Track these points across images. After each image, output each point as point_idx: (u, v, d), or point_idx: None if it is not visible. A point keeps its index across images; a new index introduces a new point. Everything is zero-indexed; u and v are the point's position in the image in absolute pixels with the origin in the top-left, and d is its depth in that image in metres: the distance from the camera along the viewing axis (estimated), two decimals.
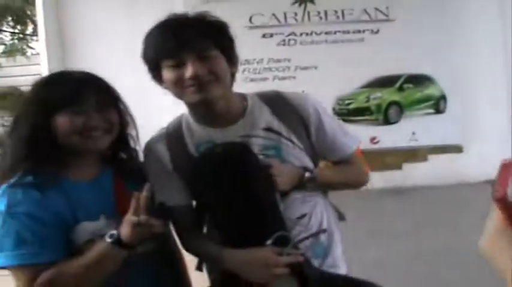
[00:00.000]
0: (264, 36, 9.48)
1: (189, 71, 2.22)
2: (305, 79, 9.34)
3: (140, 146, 3.25)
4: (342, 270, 2.56)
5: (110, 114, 3.15)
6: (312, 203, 2.48)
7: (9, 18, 15.67)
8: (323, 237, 2.52)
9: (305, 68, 9.48)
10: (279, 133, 2.44)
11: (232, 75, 2.49)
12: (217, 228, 2.30)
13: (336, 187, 2.61)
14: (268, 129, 2.43)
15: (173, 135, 2.48)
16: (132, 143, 3.31)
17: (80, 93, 3.00)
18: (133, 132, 3.25)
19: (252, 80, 9.05)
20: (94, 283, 2.86)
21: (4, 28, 16.16)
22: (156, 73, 2.35)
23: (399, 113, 9.65)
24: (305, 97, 2.53)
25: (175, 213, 2.52)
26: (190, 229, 2.53)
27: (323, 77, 9.39)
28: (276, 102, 2.49)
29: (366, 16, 9.59)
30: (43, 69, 10.64)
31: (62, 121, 2.93)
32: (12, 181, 2.88)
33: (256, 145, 2.37)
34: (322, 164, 2.82)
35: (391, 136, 9.65)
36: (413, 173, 9.74)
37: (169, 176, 2.46)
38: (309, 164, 2.49)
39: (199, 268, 2.60)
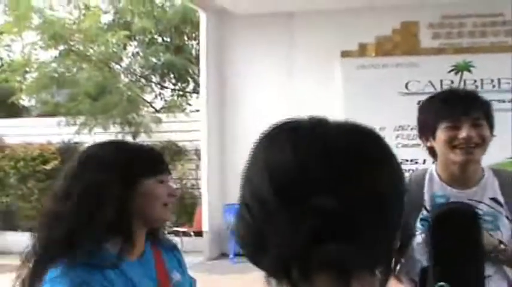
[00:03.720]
0: (419, 102, 9.44)
1: (464, 132, 2.53)
2: None
3: None
4: None
5: None
6: (496, 267, 2.69)
7: (172, 76, 16.36)
8: None
9: None
10: (501, 205, 2.68)
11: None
12: (434, 268, 2.55)
13: None
14: (494, 199, 2.69)
15: (415, 182, 2.76)
16: None
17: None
18: None
19: (404, 145, 9.17)
20: None
21: (166, 85, 16.95)
22: (428, 133, 2.64)
23: None
24: None
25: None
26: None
27: None
28: (505, 178, 2.75)
29: None
30: (202, 125, 11.34)
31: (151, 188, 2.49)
32: (69, 259, 2.32)
33: (481, 210, 2.63)
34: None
35: None
36: None
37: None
38: (510, 236, 2.72)
39: None
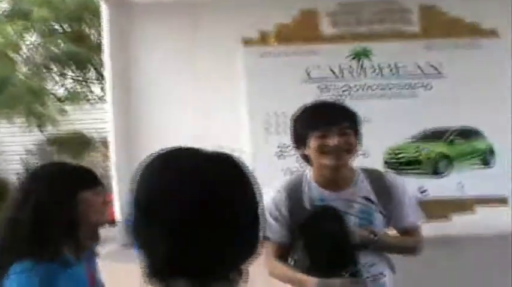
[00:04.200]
0: (320, 89, 9.89)
1: (332, 141, 2.78)
2: None
3: None
4: None
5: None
6: (376, 254, 2.98)
7: (73, 65, 16.19)
8: (382, 279, 3.00)
9: None
10: (373, 203, 2.97)
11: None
12: (310, 260, 2.83)
13: (394, 251, 3.12)
14: (366, 198, 2.98)
15: (294, 188, 3.01)
16: None
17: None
18: None
19: None
20: None
21: (68, 75, 16.77)
22: (302, 142, 2.88)
23: (448, 165, 10.05)
24: (397, 179, 3.12)
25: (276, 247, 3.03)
26: (283, 260, 3.03)
27: (376, 129, 9.38)
28: (376, 178, 3.04)
29: (419, 71, 10.03)
30: (109, 115, 11.28)
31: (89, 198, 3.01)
32: (34, 257, 2.81)
33: (355, 208, 2.92)
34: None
35: (439, 187, 9.99)
36: (460, 223, 10.04)
37: (281, 220, 2.98)
38: (384, 228, 3.03)
39: None
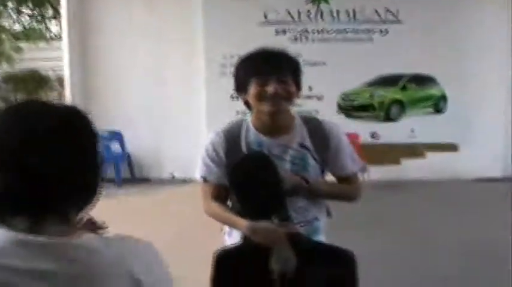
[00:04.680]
0: (277, 32, 9.97)
1: (271, 88, 2.86)
2: (313, 74, 9.49)
3: None
4: None
5: None
6: (310, 200, 3.10)
7: (29, 2, 15.95)
8: (315, 223, 3.11)
9: (314, 64, 9.86)
10: (308, 149, 3.07)
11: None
12: (241, 204, 2.94)
13: (328, 197, 3.23)
14: (302, 145, 3.08)
15: (233, 132, 3.10)
16: None
17: None
18: None
19: None
20: None
21: (24, 11, 16.47)
22: (243, 88, 2.94)
23: (400, 111, 10.22)
24: (334, 126, 3.19)
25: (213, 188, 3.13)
26: (220, 200, 3.13)
27: (331, 73, 9.92)
28: (313, 125, 3.13)
29: (376, 17, 10.14)
30: (64, 53, 11.17)
31: None
32: None
33: (290, 154, 3.03)
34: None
35: (392, 132, 10.21)
36: (411, 168, 10.32)
37: (218, 161, 3.07)
38: (319, 175, 3.13)
39: (226, 233, 3.17)
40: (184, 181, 8.86)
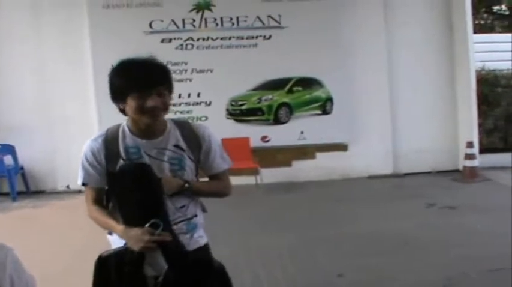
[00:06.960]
0: (163, 41, 10.00)
1: (151, 103, 2.94)
2: (201, 81, 9.99)
3: None
4: (205, 239, 3.29)
5: None
6: (190, 199, 3.22)
7: None
8: (194, 220, 3.23)
9: (201, 71, 10.08)
10: (183, 150, 3.18)
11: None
12: (119, 211, 3.01)
13: (206, 195, 3.37)
14: (177, 146, 3.19)
15: (110, 137, 3.16)
16: None
17: None
18: None
19: None
20: None
21: None
22: (120, 99, 3.00)
23: (289, 113, 10.38)
24: (204, 128, 3.33)
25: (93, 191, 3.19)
26: (100, 205, 3.19)
27: (218, 79, 10.05)
28: (185, 128, 3.26)
29: (259, 23, 10.29)
30: None
31: None
32: None
33: (167, 155, 3.13)
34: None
35: (282, 135, 10.37)
36: (302, 170, 10.54)
37: (97, 165, 3.14)
38: (194, 174, 3.25)
39: (109, 233, 3.22)
40: (80, 192, 8.79)
